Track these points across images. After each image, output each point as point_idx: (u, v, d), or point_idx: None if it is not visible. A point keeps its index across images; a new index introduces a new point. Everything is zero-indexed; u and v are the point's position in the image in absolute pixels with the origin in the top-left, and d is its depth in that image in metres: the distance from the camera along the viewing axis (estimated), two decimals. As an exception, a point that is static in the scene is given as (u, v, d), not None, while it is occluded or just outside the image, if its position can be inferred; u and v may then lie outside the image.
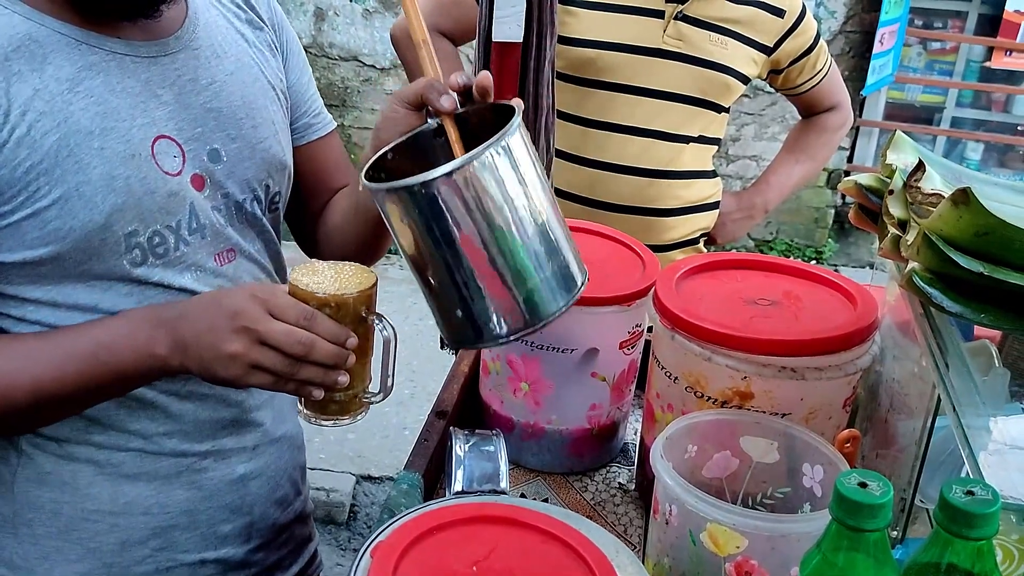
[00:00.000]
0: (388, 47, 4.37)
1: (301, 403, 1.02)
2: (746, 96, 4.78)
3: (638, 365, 1.33)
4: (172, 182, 1.02)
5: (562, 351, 1.24)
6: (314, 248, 1.29)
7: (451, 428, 1.03)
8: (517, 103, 0.96)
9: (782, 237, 5.08)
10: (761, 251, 4.93)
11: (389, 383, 1.04)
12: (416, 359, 3.31)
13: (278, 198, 1.17)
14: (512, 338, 0.95)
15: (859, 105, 4.85)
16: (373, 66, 5.05)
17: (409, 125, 1.02)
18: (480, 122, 0.99)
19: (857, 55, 4.77)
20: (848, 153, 4.96)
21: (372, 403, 1.05)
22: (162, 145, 1.01)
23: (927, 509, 1.04)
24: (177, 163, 1.03)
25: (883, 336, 1.18)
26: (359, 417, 1.04)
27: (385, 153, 1.00)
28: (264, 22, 1.18)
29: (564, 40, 1.76)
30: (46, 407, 0.97)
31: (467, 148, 0.92)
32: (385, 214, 0.94)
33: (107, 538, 1.09)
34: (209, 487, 1.14)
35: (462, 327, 0.96)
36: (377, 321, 1.00)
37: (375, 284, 1.01)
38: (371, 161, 0.99)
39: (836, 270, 4.80)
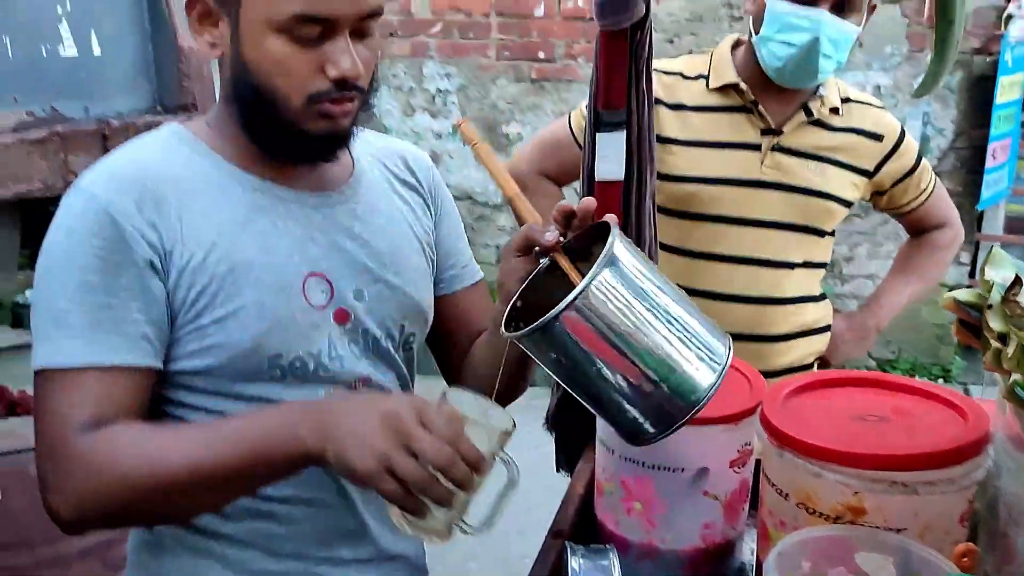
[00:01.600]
0: (500, 185, 4.59)
1: (395, 511, 1.02)
2: (857, 216, 4.79)
3: (750, 484, 1.35)
4: (316, 315, 1.15)
5: (673, 470, 1.28)
6: (459, 384, 1.37)
7: (567, 543, 1.07)
8: (611, 218, 1.05)
9: (905, 356, 4.95)
10: (884, 371, 4.82)
11: (494, 520, 1.05)
12: (535, 489, 3.34)
13: (412, 339, 1.28)
14: (681, 424, 1.03)
15: (976, 220, 4.78)
16: (486, 203, 5.28)
17: (526, 270, 1.13)
18: (588, 245, 1.07)
19: (969, 170, 4.72)
20: (968, 268, 4.86)
21: (466, 532, 1.04)
22: (312, 282, 1.15)
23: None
24: (324, 298, 1.16)
25: (997, 450, 1.17)
26: (444, 542, 1.04)
27: (515, 302, 1.10)
28: (421, 185, 1.34)
29: (664, 177, 1.85)
30: (203, 488, 1.04)
31: (582, 273, 1.01)
32: (531, 353, 1.03)
33: None
34: None
35: (631, 428, 1.04)
36: (506, 462, 1.03)
37: (514, 428, 1.04)
38: (505, 313, 1.08)
39: (965, 388, 4.64)
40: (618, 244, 1.00)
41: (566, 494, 1.45)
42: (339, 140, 1.15)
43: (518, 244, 1.13)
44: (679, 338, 1.02)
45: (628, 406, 1.03)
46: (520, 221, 1.17)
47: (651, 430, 1.04)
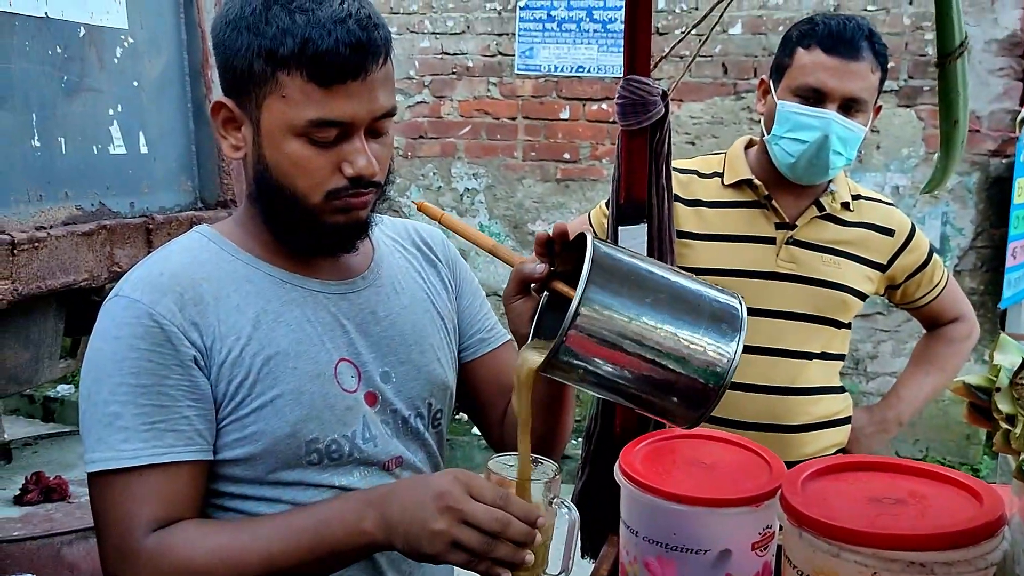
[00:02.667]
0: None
1: None
2: (881, 314, 4.82)
3: (772, 568, 1.37)
4: (349, 398, 1.20)
5: (696, 552, 1.30)
6: (500, 447, 1.42)
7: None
8: (585, 229, 1.11)
9: (933, 455, 4.90)
10: (912, 470, 4.76)
11: (571, 563, 1.14)
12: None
13: (440, 415, 1.33)
14: (723, 390, 1.07)
15: (1000, 318, 4.79)
16: (497, 293, 5.36)
17: (530, 310, 1.18)
18: (578, 265, 1.10)
19: (990, 269, 4.76)
20: (994, 366, 4.84)
21: None
22: (343, 367, 1.21)
23: None
24: (354, 382, 1.22)
25: (1014, 533, 1.19)
26: None
27: (532, 340, 1.14)
28: (439, 259, 1.40)
29: (684, 270, 1.90)
30: None
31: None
32: (562, 379, 1.08)
33: None
34: None
35: (677, 414, 1.09)
36: (561, 505, 1.10)
37: (559, 472, 1.12)
38: (522, 351, 1.13)
39: (995, 488, 4.57)
40: (595, 252, 1.03)
41: (590, 577, 1.47)
42: (358, 231, 1.21)
43: (513, 287, 1.18)
44: (690, 316, 1.06)
45: (665, 396, 1.06)
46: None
47: (695, 411, 1.09)
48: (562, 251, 1.15)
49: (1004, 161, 4.71)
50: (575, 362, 1.04)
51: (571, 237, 1.14)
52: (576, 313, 1.00)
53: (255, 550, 1.08)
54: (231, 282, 1.18)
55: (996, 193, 4.72)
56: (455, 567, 1.18)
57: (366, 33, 1.10)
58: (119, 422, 1.10)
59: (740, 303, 1.11)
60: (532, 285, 1.17)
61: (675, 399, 1.07)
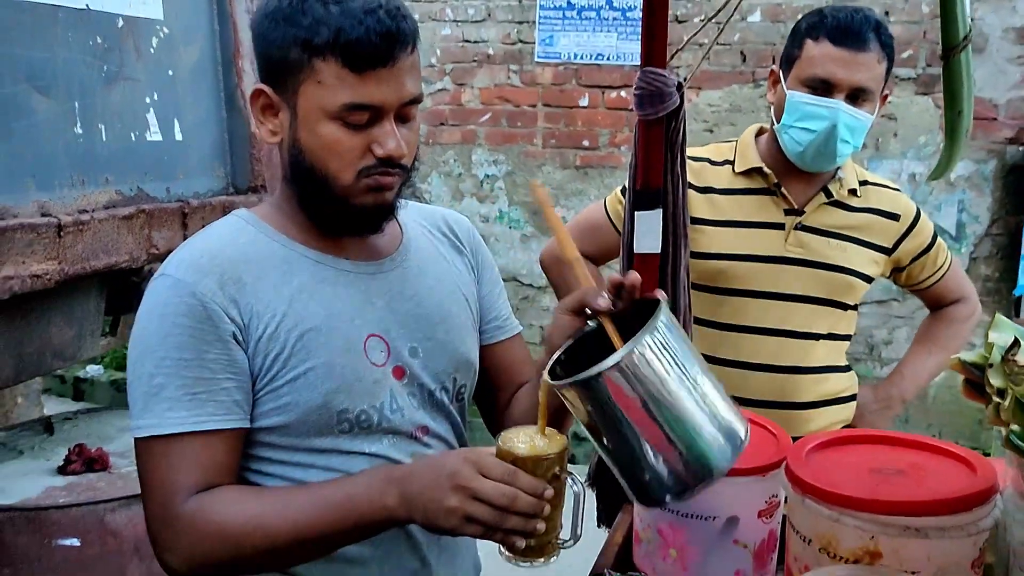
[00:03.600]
0: (545, 267, 4.77)
1: (504, 548, 1.18)
2: (895, 300, 4.86)
3: (778, 535, 1.45)
4: (378, 372, 1.28)
5: (705, 519, 1.38)
6: (498, 431, 1.50)
7: (607, 570, 1.18)
8: (660, 294, 1.17)
9: (945, 438, 4.93)
10: (925, 455, 4.80)
11: (579, 531, 1.21)
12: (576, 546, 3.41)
13: (464, 390, 1.41)
14: (692, 493, 1.12)
15: (1014, 305, 4.82)
16: (531, 285, 5.44)
17: (574, 329, 1.25)
18: (633, 317, 1.18)
19: (1006, 256, 4.79)
20: (1009, 353, 4.87)
21: (564, 548, 1.21)
22: (372, 342, 1.29)
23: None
24: (383, 356, 1.30)
25: (1006, 503, 1.26)
26: (552, 560, 1.20)
27: (560, 356, 1.21)
28: (463, 246, 1.48)
29: (696, 255, 1.97)
30: (302, 546, 1.18)
31: (624, 340, 1.11)
32: (568, 403, 1.14)
33: None
34: None
35: (645, 489, 1.13)
36: (568, 477, 1.18)
37: (566, 447, 1.19)
38: (549, 364, 1.20)
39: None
40: (664, 316, 1.11)
41: (605, 542, 1.55)
42: (385, 212, 1.29)
43: (572, 304, 1.25)
44: (706, 414, 1.12)
45: (647, 467, 1.12)
46: (560, 292, 1.29)
47: (662, 495, 1.14)
48: (627, 299, 1.21)
49: (1021, 149, 4.72)
50: (596, 395, 1.09)
51: (640, 294, 1.20)
52: (621, 360, 1.06)
53: (287, 518, 1.17)
54: (268, 262, 1.26)
55: (1012, 181, 4.75)
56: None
57: (395, 23, 1.17)
58: (164, 392, 1.18)
59: (747, 428, 1.17)
60: (588, 311, 1.23)
61: (657, 473, 1.12)
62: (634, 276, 1.21)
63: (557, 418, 1.33)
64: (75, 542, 2.04)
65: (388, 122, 1.21)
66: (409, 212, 1.42)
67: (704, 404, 1.12)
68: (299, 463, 1.26)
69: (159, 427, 1.18)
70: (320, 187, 1.24)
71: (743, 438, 1.15)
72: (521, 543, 1.12)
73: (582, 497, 1.19)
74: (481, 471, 1.11)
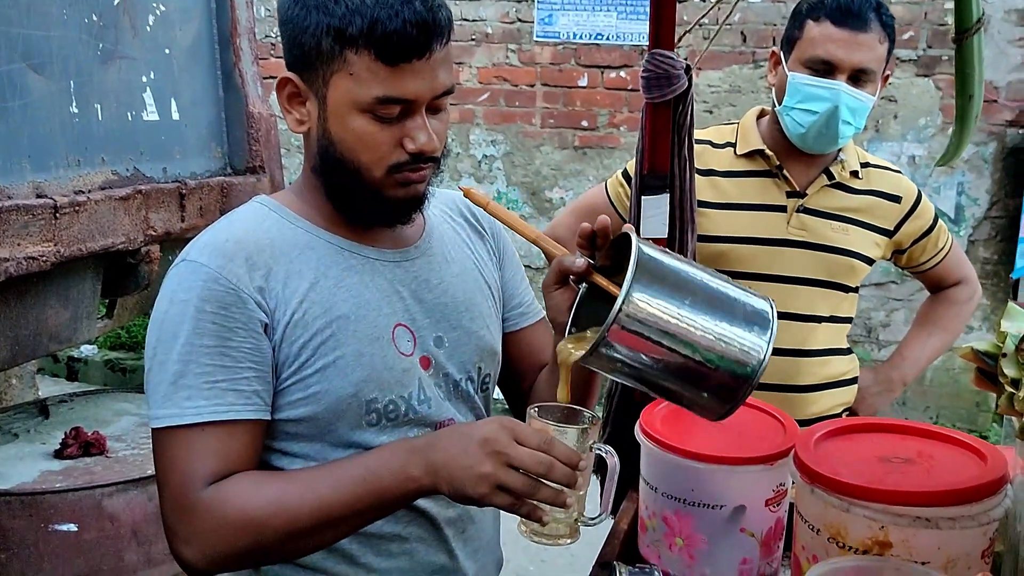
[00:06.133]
0: (543, 248, 4.76)
1: (526, 525, 1.16)
2: (894, 283, 4.85)
3: (784, 523, 1.44)
4: (406, 361, 1.26)
5: (712, 507, 1.37)
6: (522, 416, 1.50)
7: (615, 562, 1.16)
8: (629, 228, 1.15)
9: (943, 421, 4.96)
10: (922, 437, 4.82)
11: (610, 504, 1.21)
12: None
13: (488, 379, 1.40)
14: (752, 386, 1.14)
15: (1013, 288, 4.82)
16: (529, 266, 5.42)
17: (569, 300, 1.23)
18: (618, 259, 1.16)
19: (1004, 239, 4.78)
20: (1006, 336, 4.88)
21: (591, 525, 1.19)
22: (400, 331, 1.27)
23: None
24: (410, 346, 1.28)
25: (1017, 492, 1.25)
26: (571, 542, 1.18)
27: (570, 329, 1.20)
28: (485, 231, 1.46)
29: (698, 238, 1.95)
30: (325, 526, 1.15)
31: (619, 285, 1.09)
32: (598, 370, 1.14)
33: None
34: None
35: (710, 404, 1.15)
36: (600, 449, 1.17)
37: (598, 420, 1.18)
38: (562, 343, 1.19)
39: (1003, 455, 4.63)
40: (641, 251, 1.09)
41: (610, 531, 1.54)
42: (415, 204, 1.26)
43: (553, 277, 1.23)
44: (725, 311, 1.12)
45: (697, 391, 1.13)
46: (549, 259, 1.28)
47: (723, 405, 1.15)
48: (603, 245, 1.20)
49: (1021, 132, 4.71)
50: (615, 355, 1.09)
51: (613, 234, 1.19)
52: (620, 311, 1.05)
53: (307, 499, 1.14)
54: (293, 248, 1.23)
55: (1012, 163, 4.74)
56: (500, 523, 1.25)
57: (431, 13, 1.14)
58: (183, 380, 1.15)
59: (771, 307, 1.16)
60: (572, 277, 1.21)
61: (706, 393, 1.14)
62: (602, 219, 1.20)
63: (584, 384, 1.33)
64: (72, 527, 2.03)
65: (420, 115, 1.18)
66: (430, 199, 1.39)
67: (720, 303, 1.12)
68: (324, 458, 1.23)
69: (179, 417, 1.14)
70: (351, 179, 1.21)
71: (771, 316, 1.14)
72: (547, 517, 1.10)
73: (615, 470, 1.18)
74: (517, 438, 1.08)
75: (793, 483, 1.31)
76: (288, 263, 1.22)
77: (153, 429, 1.18)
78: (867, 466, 1.27)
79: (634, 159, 1.87)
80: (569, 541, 1.18)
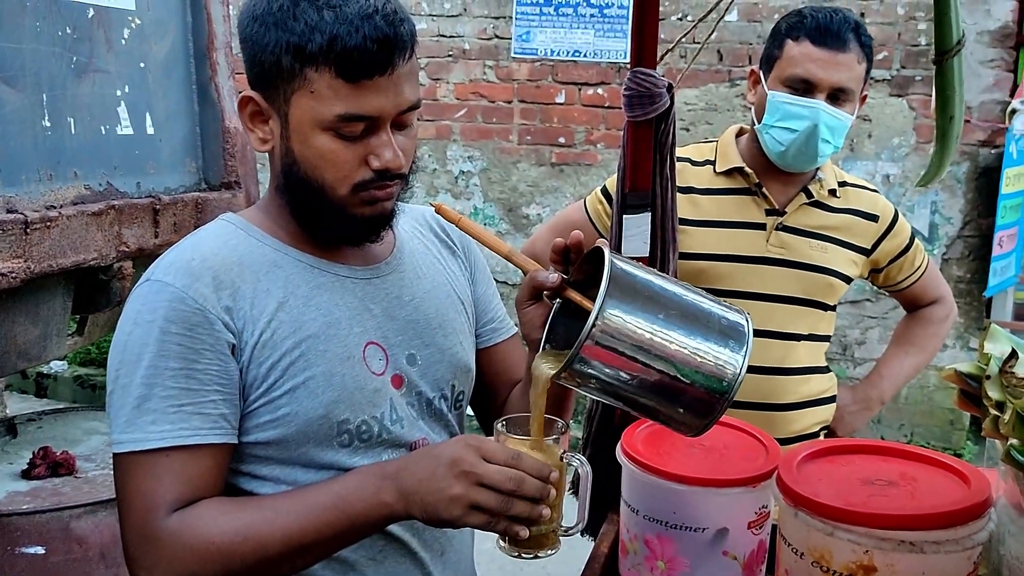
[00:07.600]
0: (520, 265, 4.75)
1: (505, 540, 1.14)
2: (869, 300, 4.88)
3: (767, 546, 1.42)
4: (377, 380, 1.24)
5: (694, 530, 1.35)
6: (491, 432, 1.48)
7: (596, 587, 1.14)
8: (602, 242, 1.14)
9: (917, 439, 4.99)
10: (896, 455, 4.84)
11: (586, 514, 1.19)
12: (558, 555, 3.40)
13: (462, 397, 1.37)
14: (729, 400, 1.11)
15: (985, 306, 4.86)
16: (505, 283, 5.40)
17: (542, 315, 1.22)
18: (592, 273, 1.15)
19: (977, 258, 4.83)
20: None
21: (569, 535, 1.18)
22: (371, 350, 1.24)
23: None
24: (382, 365, 1.25)
25: (1000, 516, 1.25)
26: (553, 552, 1.16)
27: (544, 345, 1.19)
28: (456, 247, 1.44)
29: (679, 256, 1.96)
30: (295, 554, 1.12)
31: (592, 298, 1.09)
32: (573, 387, 1.12)
33: None
34: None
35: (686, 419, 1.13)
36: (573, 458, 1.15)
37: (567, 429, 1.17)
38: (536, 359, 1.17)
39: (977, 473, 4.65)
40: (615, 265, 1.08)
41: (591, 554, 1.52)
42: (383, 221, 1.24)
43: (526, 293, 1.21)
44: (700, 323, 1.11)
45: (673, 406, 1.11)
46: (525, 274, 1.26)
47: (700, 420, 1.13)
48: (576, 260, 1.19)
49: (993, 151, 4.77)
50: (590, 371, 1.08)
51: (586, 248, 1.18)
52: (593, 326, 1.04)
53: (277, 526, 1.11)
54: (261, 267, 1.20)
55: (985, 183, 4.79)
56: (474, 544, 1.23)
57: (393, 28, 1.11)
58: (147, 404, 1.11)
59: (747, 320, 1.15)
60: (545, 292, 1.20)
61: (683, 409, 1.12)
62: (575, 234, 1.19)
63: (558, 401, 1.31)
64: (40, 550, 1.98)
65: (384, 132, 1.16)
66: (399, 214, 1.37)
67: (695, 317, 1.11)
68: (295, 480, 1.20)
69: (143, 442, 1.11)
70: (315, 198, 1.18)
71: (747, 331, 1.13)
72: (524, 532, 1.08)
73: (588, 478, 1.17)
74: (484, 456, 1.07)
75: (776, 505, 1.30)
76: (256, 282, 1.19)
77: (115, 454, 1.14)
78: (850, 489, 1.26)
79: (614, 176, 1.86)
80: (551, 552, 1.16)
